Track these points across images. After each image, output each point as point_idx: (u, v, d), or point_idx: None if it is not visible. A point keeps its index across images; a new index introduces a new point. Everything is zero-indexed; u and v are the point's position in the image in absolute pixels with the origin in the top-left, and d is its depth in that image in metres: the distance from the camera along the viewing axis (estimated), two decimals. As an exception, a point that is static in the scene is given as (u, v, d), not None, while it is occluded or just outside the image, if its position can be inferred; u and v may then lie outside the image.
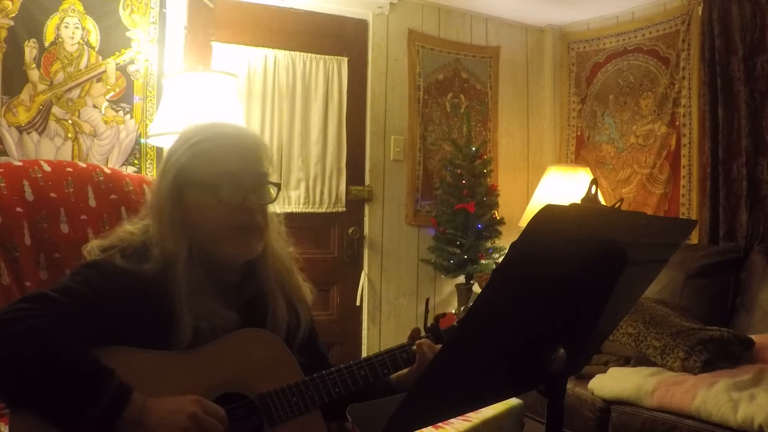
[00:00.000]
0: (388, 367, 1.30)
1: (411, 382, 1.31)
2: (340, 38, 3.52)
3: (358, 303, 3.57)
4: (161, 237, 1.23)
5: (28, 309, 1.09)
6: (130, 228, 1.29)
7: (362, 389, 1.29)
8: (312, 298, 1.41)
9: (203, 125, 1.32)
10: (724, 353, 2.41)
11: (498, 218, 3.57)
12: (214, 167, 1.24)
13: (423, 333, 1.38)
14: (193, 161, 1.25)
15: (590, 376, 2.50)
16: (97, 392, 1.05)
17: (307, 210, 3.36)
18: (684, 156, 3.55)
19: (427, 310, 1.42)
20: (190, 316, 1.18)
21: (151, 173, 2.80)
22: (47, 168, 1.95)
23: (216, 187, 1.23)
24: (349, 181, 3.51)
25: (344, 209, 3.49)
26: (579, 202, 2.98)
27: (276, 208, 1.37)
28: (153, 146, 2.81)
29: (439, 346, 1.32)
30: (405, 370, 1.33)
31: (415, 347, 1.31)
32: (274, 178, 1.33)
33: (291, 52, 3.32)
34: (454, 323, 1.37)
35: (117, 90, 2.75)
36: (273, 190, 1.31)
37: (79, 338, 1.09)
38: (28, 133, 2.57)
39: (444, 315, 1.39)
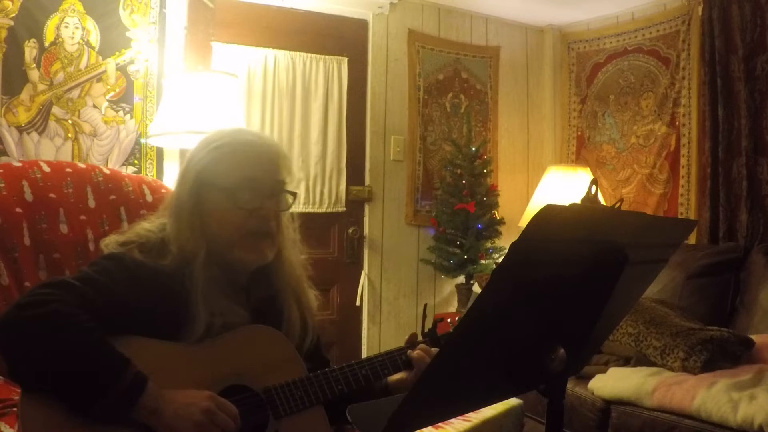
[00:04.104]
0: (388, 368, 1.32)
1: (408, 386, 1.33)
2: (340, 38, 3.52)
3: (358, 303, 3.57)
4: (180, 236, 1.26)
5: (50, 294, 1.11)
6: (147, 225, 1.32)
7: (363, 388, 1.32)
8: (316, 305, 1.43)
9: (226, 131, 1.36)
10: (724, 353, 2.41)
11: (498, 218, 3.57)
12: (233, 172, 1.27)
13: (420, 338, 1.39)
14: (213, 165, 1.28)
15: (590, 376, 2.50)
16: (116, 378, 1.07)
17: (307, 210, 3.36)
18: (684, 156, 3.55)
19: (424, 316, 1.42)
20: (205, 312, 1.21)
21: (151, 173, 2.80)
22: (46, 168, 1.95)
23: (234, 191, 1.26)
24: (349, 181, 3.51)
25: (344, 209, 3.49)
26: (579, 202, 2.98)
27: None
28: (153, 146, 2.80)
29: (436, 350, 1.33)
30: (403, 374, 1.35)
31: (412, 352, 1.32)
32: (291, 187, 1.35)
33: (291, 52, 3.32)
34: (450, 330, 1.38)
35: (117, 90, 2.75)
36: (290, 199, 1.34)
37: (98, 325, 1.11)
38: (28, 133, 2.57)
39: (442, 320, 1.39)
